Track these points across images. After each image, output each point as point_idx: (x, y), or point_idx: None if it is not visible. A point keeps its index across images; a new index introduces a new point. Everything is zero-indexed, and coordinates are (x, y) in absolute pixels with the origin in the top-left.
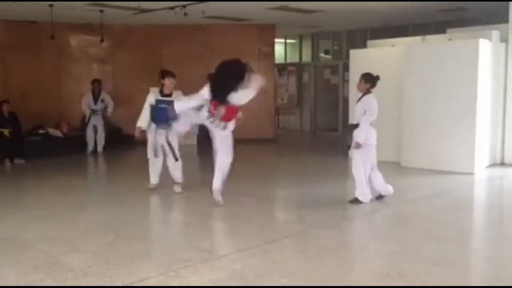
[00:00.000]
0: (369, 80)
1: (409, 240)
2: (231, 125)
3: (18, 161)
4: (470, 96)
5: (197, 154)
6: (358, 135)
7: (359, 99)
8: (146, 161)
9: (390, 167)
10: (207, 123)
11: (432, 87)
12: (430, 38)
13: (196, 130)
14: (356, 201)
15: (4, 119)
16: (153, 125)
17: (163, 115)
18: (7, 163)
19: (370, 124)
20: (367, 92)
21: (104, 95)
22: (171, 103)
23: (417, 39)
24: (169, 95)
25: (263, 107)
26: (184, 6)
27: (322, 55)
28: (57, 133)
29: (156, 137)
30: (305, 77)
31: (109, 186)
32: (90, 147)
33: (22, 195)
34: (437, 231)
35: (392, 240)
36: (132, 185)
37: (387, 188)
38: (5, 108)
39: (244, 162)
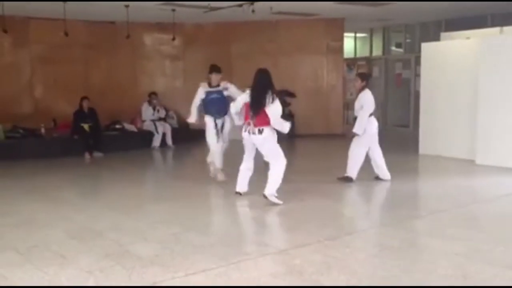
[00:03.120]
0: (364, 78)
1: (479, 241)
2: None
3: (97, 154)
4: None
5: None
6: (356, 127)
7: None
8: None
9: (464, 164)
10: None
11: (510, 81)
12: (509, 29)
13: None
14: (346, 179)
15: (84, 115)
16: (209, 116)
17: (216, 105)
18: (87, 156)
19: (371, 115)
20: (362, 89)
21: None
22: (220, 92)
23: (494, 30)
24: (217, 86)
25: (331, 103)
26: (252, 3)
27: (393, 48)
28: (132, 128)
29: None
30: (375, 71)
31: (177, 180)
32: (157, 141)
33: (98, 186)
34: (510, 233)
35: (460, 240)
36: (198, 179)
37: (384, 173)
38: (85, 104)
39: (310, 157)
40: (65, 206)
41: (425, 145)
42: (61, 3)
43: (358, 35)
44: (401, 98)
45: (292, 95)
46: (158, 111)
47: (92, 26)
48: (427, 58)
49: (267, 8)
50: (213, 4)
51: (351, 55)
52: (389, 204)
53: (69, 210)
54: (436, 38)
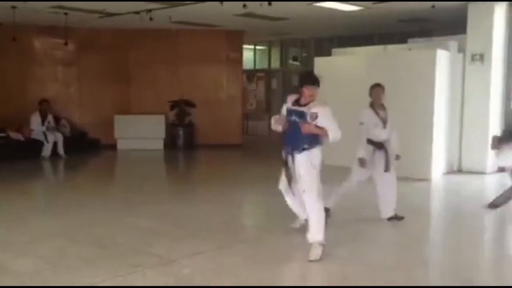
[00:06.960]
0: None
1: (357, 245)
2: None
3: None
4: (428, 104)
5: (164, 159)
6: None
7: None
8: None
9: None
10: None
11: (391, 95)
12: (391, 47)
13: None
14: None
15: None
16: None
17: (291, 132)
18: None
19: None
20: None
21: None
22: (302, 115)
23: (379, 48)
24: (305, 105)
25: (231, 113)
26: (149, 11)
27: (291, 61)
28: (18, 136)
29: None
30: (274, 83)
31: (66, 191)
32: (47, 151)
33: None
34: (385, 237)
35: (341, 246)
36: (90, 190)
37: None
38: None
39: (209, 167)
40: None
41: None
42: None
43: (257, 47)
44: None
45: (191, 104)
46: (49, 122)
47: None
48: (320, 71)
49: (166, 16)
50: (109, 9)
51: (251, 67)
52: (281, 212)
53: None
54: (330, 53)
